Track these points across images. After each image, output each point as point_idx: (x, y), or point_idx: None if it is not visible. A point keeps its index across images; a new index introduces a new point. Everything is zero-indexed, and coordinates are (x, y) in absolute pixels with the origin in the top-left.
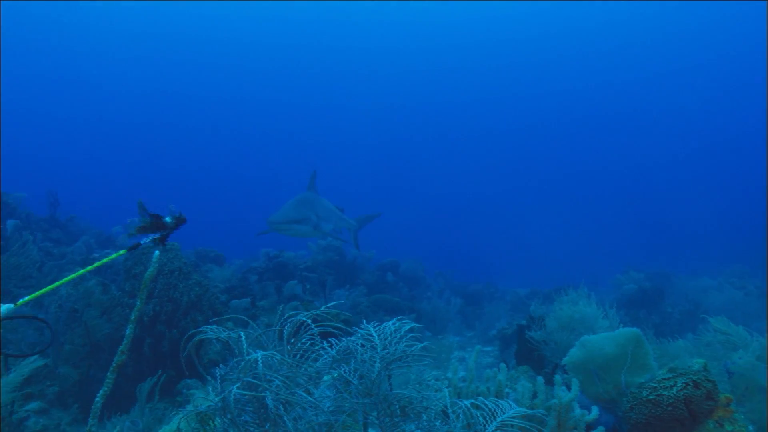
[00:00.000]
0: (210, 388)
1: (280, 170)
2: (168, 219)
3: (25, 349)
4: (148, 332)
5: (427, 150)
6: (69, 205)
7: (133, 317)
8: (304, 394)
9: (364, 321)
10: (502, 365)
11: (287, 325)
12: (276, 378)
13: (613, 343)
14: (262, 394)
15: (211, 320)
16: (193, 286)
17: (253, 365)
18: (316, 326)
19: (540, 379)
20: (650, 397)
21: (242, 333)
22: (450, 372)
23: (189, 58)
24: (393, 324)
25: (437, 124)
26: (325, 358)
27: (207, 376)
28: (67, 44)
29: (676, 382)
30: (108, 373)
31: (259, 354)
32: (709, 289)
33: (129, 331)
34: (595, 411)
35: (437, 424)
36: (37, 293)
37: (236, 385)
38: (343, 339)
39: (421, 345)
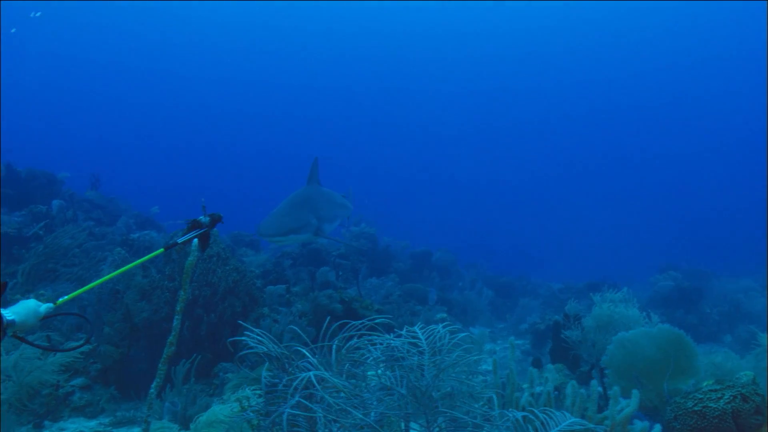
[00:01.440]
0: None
1: (313, 149)
2: (203, 218)
3: (66, 331)
4: (187, 316)
5: (464, 140)
6: (109, 185)
7: (178, 308)
8: (352, 410)
9: (415, 325)
10: (549, 366)
11: (331, 334)
12: (326, 396)
13: (653, 343)
14: (314, 415)
15: (248, 307)
16: (231, 272)
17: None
18: (350, 316)
19: (594, 384)
20: (696, 408)
21: (304, 350)
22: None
23: (232, 44)
24: (442, 328)
25: (474, 114)
26: (371, 361)
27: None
28: (106, 29)
29: (723, 394)
30: (159, 365)
31: (312, 374)
32: (750, 291)
33: (176, 322)
34: (657, 429)
35: None
36: (76, 292)
37: (289, 404)
38: (386, 337)
39: (475, 357)
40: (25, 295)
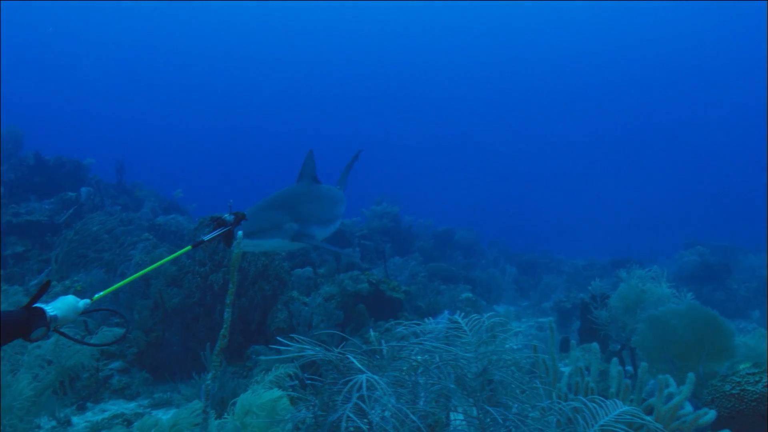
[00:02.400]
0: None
1: (334, 129)
2: (228, 216)
3: (101, 318)
4: (218, 300)
5: (485, 114)
6: (132, 170)
7: (228, 300)
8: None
9: (447, 311)
10: (580, 345)
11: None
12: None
13: (685, 324)
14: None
15: (277, 291)
16: (260, 256)
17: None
18: (377, 298)
19: (644, 366)
20: (734, 392)
21: (351, 356)
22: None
23: (257, 24)
24: (487, 318)
25: (496, 87)
26: (416, 354)
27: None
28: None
29: (761, 378)
30: (212, 356)
31: (364, 378)
32: None
33: (227, 314)
34: (712, 414)
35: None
36: (111, 288)
37: (346, 409)
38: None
39: (533, 359)
40: (61, 281)
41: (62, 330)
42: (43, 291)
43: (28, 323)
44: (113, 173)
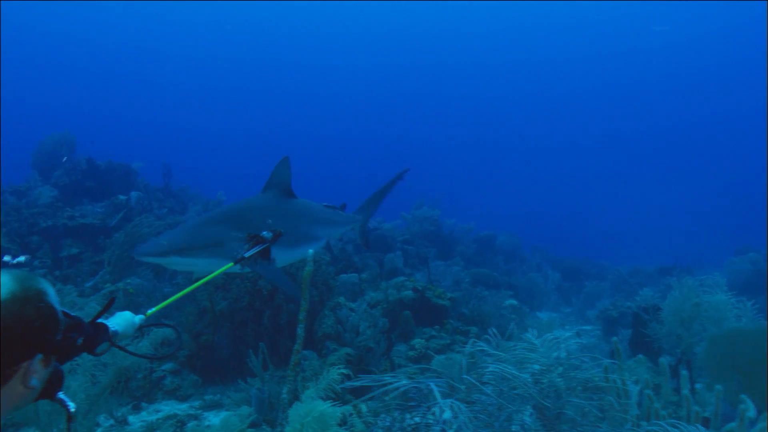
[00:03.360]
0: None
1: (375, 132)
2: (266, 233)
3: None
4: (267, 305)
5: (526, 118)
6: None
7: (301, 317)
8: None
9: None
10: (662, 360)
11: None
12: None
13: (751, 342)
14: None
15: (324, 296)
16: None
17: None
18: (423, 305)
19: (719, 389)
20: None
21: (432, 384)
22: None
23: (296, 29)
24: (566, 335)
25: (533, 90)
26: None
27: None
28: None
29: None
30: (288, 372)
31: (448, 413)
32: None
33: (300, 330)
34: None
35: None
36: (163, 304)
37: None
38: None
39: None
40: (114, 284)
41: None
42: (108, 307)
43: (94, 338)
44: (160, 177)
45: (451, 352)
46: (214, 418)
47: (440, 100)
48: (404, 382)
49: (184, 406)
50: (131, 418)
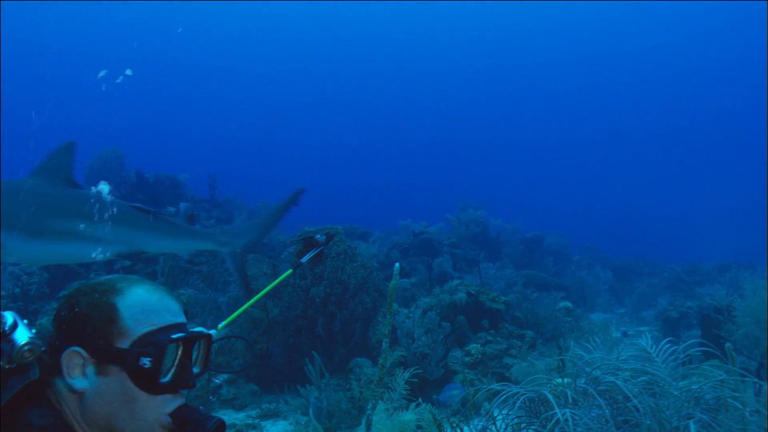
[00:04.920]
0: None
1: (419, 134)
2: (319, 237)
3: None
4: (320, 313)
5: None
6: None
7: (386, 331)
8: None
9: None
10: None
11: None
12: None
13: None
14: None
15: (377, 302)
16: (359, 269)
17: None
18: (477, 309)
19: None
20: None
21: (547, 393)
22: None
23: (337, 38)
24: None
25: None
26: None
27: None
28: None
29: None
30: (372, 386)
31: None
32: None
33: (385, 344)
34: None
35: None
36: (233, 316)
37: None
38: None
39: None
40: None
41: None
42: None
43: None
44: (205, 187)
45: (508, 357)
46: (271, 428)
47: (483, 100)
48: (517, 389)
49: (241, 415)
50: None
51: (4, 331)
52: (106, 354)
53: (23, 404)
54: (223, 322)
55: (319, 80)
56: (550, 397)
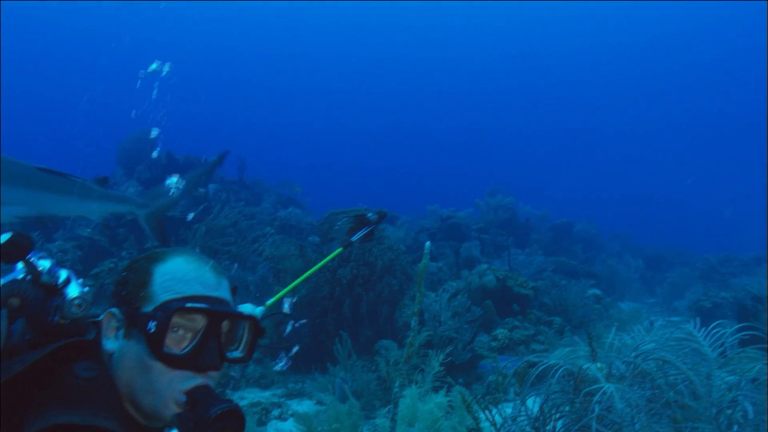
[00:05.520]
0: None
1: (450, 121)
2: (371, 215)
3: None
4: (347, 294)
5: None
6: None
7: (416, 309)
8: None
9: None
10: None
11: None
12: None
13: None
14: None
15: (404, 285)
16: (386, 251)
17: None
18: (505, 293)
19: None
20: None
21: (593, 368)
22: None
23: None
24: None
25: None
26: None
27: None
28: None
29: None
30: (401, 365)
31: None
32: None
33: (414, 323)
34: None
35: None
36: (279, 294)
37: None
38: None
39: None
40: None
41: None
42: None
43: None
44: (234, 169)
45: (536, 343)
46: (297, 406)
47: (515, 87)
48: (555, 361)
49: (267, 393)
50: None
51: (57, 285)
52: (130, 317)
53: (74, 358)
54: (270, 300)
55: (351, 64)
56: (594, 368)
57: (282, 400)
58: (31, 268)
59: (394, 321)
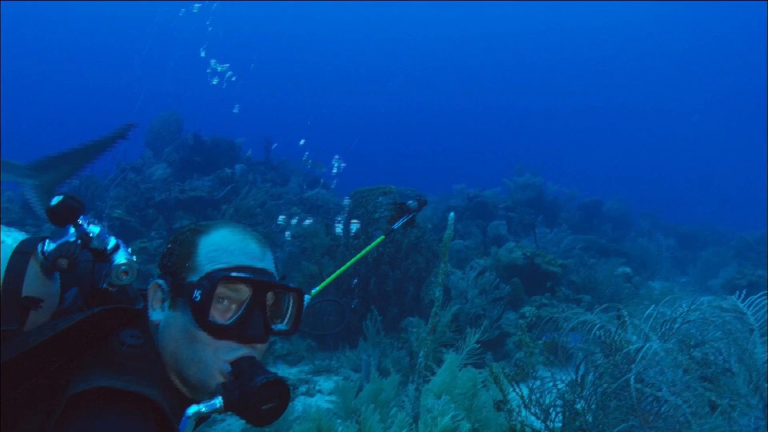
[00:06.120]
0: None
1: (478, 100)
2: (411, 203)
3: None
4: (373, 272)
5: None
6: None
7: (440, 279)
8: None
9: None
10: None
11: None
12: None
13: None
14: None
15: (430, 263)
16: (412, 229)
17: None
18: (533, 271)
19: None
20: None
21: (640, 323)
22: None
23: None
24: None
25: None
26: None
27: None
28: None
29: None
30: (425, 335)
31: (656, 345)
32: None
33: (438, 293)
34: None
35: None
36: (324, 283)
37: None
38: None
39: None
40: None
41: None
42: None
43: None
44: (261, 151)
45: (564, 321)
46: (324, 383)
47: (542, 65)
48: (592, 317)
49: (295, 370)
50: None
51: (106, 251)
52: (176, 287)
53: (122, 326)
54: (316, 289)
55: (376, 43)
56: (640, 322)
57: (309, 376)
58: (80, 231)
59: (420, 299)
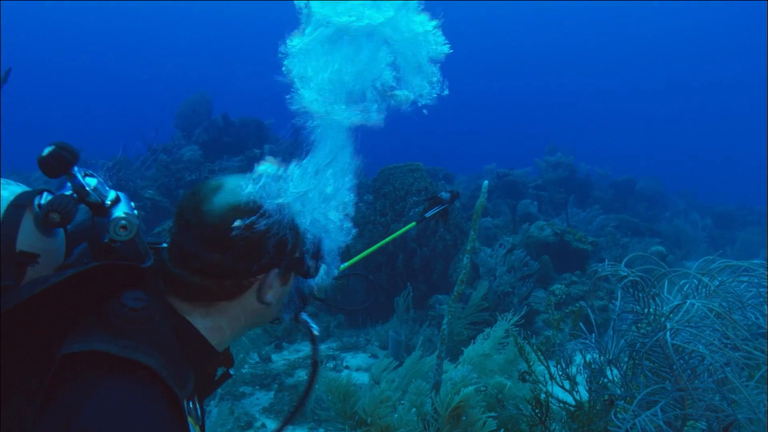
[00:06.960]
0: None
1: (509, 83)
2: (444, 194)
3: None
4: (401, 249)
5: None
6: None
7: (469, 248)
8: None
9: None
10: None
11: None
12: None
13: None
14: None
15: (458, 240)
16: (445, 222)
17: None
18: (563, 249)
19: None
20: None
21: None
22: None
23: None
24: None
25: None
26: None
27: None
28: None
29: None
30: (448, 305)
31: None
32: None
33: (466, 260)
34: None
35: None
36: (355, 259)
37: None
38: None
39: None
40: None
41: None
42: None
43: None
44: (290, 132)
45: (594, 299)
46: (351, 359)
47: (575, 46)
48: (627, 271)
49: (323, 347)
50: (274, 357)
51: (104, 204)
52: (289, 264)
53: (125, 287)
54: (343, 265)
55: None
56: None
57: (337, 353)
58: (75, 183)
59: (448, 276)
